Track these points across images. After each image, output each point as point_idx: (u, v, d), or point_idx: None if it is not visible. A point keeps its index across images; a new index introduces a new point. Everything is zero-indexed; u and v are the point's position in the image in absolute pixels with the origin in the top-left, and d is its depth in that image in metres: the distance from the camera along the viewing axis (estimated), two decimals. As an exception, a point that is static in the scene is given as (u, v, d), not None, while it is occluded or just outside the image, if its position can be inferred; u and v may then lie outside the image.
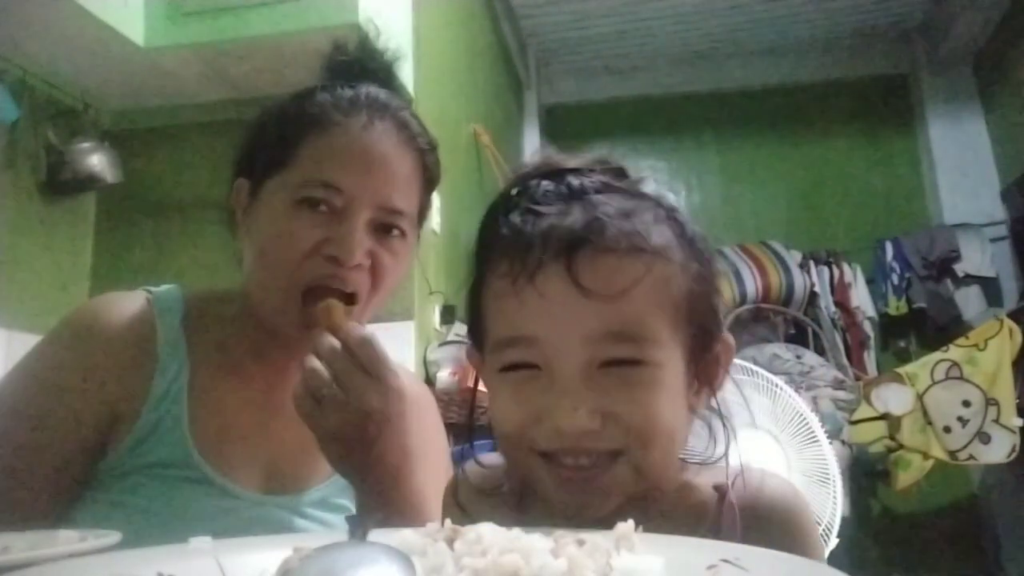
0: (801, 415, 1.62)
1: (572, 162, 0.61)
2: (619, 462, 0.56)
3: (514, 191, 0.61)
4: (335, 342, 0.73)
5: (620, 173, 0.62)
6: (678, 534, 0.49)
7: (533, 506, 0.62)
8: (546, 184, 0.59)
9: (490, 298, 0.61)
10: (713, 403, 0.63)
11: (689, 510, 0.61)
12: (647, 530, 0.48)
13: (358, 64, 0.92)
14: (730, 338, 0.63)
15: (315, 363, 0.73)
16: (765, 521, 0.59)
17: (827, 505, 1.64)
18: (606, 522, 0.47)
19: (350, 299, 0.83)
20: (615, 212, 0.56)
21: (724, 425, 0.63)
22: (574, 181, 0.59)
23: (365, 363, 0.73)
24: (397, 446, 0.78)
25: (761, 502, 0.61)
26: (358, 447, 0.75)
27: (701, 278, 0.60)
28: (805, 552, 0.56)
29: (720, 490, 0.61)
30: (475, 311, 0.64)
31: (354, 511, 0.91)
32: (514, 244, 0.57)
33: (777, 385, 1.67)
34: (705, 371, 0.61)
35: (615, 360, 0.55)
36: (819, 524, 1.83)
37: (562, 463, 0.56)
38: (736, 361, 1.66)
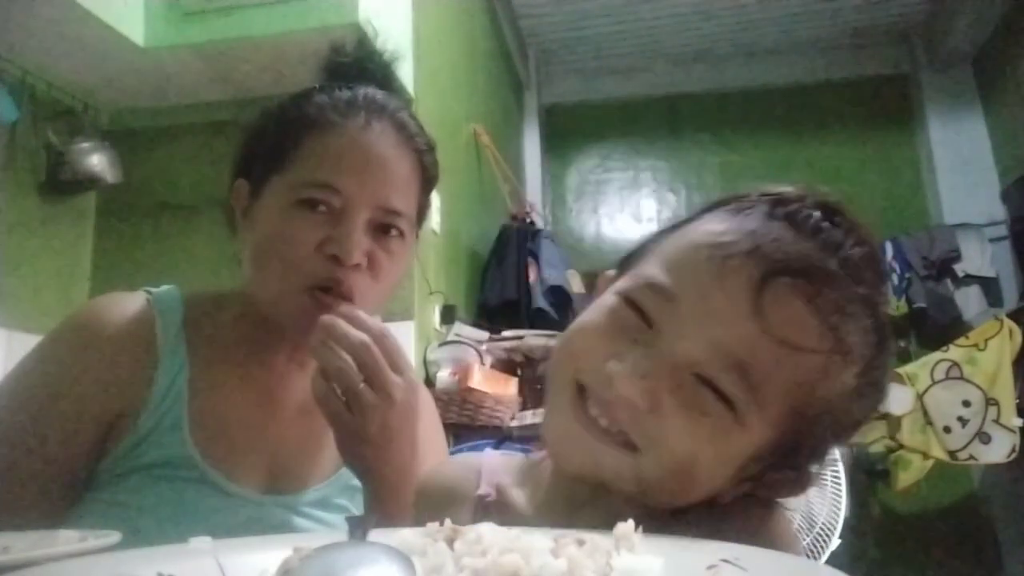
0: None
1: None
2: (627, 453, 0.52)
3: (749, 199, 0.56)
4: (362, 335, 0.72)
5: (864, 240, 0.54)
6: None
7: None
8: (784, 206, 0.53)
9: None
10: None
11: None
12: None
13: (356, 65, 0.93)
14: (813, 480, 0.55)
15: (341, 357, 0.71)
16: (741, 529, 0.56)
17: (829, 505, 1.64)
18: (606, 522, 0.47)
19: (349, 299, 0.84)
20: (851, 275, 0.50)
21: None
22: (821, 218, 0.53)
23: (391, 355, 0.73)
24: (411, 439, 0.78)
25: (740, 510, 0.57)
26: (380, 442, 0.74)
27: (854, 394, 0.52)
28: (783, 547, 0.53)
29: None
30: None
31: (354, 511, 0.91)
32: (701, 238, 0.52)
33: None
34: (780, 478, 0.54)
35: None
36: (814, 525, 1.83)
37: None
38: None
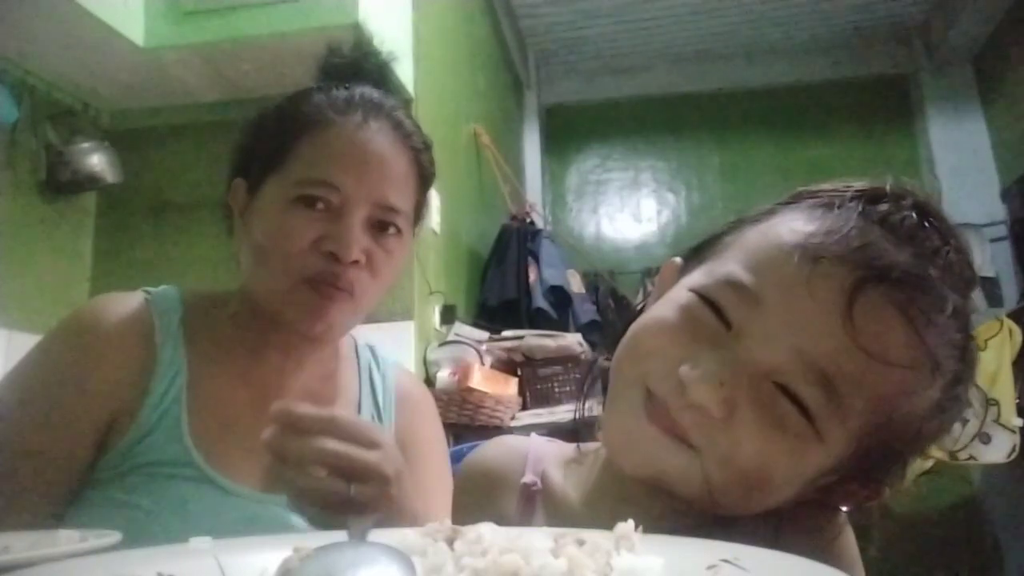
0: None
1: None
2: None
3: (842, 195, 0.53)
4: (319, 444, 0.61)
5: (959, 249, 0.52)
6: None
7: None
8: (881, 205, 0.51)
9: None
10: None
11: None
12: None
13: (353, 65, 0.94)
14: (884, 493, 0.54)
15: (311, 478, 0.60)
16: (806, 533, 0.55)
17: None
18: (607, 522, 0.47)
19: (348, 295, 0.84)
20: (947, 291, 0.48)
21: None
22: (925, 221, 0.51)
23: (356, 436, 0.63)
24: (415, 487, 0.73)
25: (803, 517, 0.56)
26: (391, 513, 0.67)
27: (936, 409, 0.50)
28: (847, 568, 0.53)
29: None
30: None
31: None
32: (801, 240, 0.49)
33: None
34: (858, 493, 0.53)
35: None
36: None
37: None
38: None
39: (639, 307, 0.60)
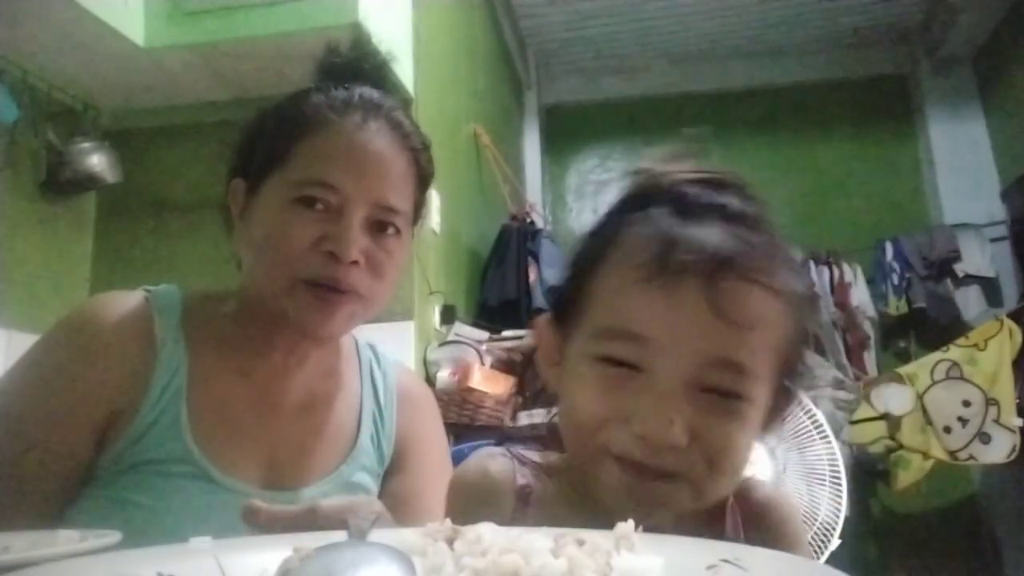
0: (806, 412, 1.62)
1: (708, 174, 0.59)
2: (681, 483, 0.55)
3: (659, 184, 0.59)
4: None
5: (749, 196, 0.60)
6: (692, 534, 0.48)
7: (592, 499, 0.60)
8: (695, 192, 0.57)
9: (609, 283, 0.57)
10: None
11: (702, 514, 0.60)
12: (666, 520, 0.54)
13: (351, 66, 0.94)
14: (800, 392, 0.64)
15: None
16: (760, 520, 0.62)
17: (828, 505, 1.64)
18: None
19: (349, 296, 0.84)
20: (761, 245, 0.56)
21: None
22: (722, 200, 0.57)
23: (333, 519, 0.58)
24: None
25: (756, 503, 0.63)
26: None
27: (804, 333, 0.60)
28: (797, 548, 0.59)
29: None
30: (581, 287, 0.60)
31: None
32: (658, 244, 0.55)
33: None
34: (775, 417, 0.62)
35: (716, 388, 0.54)
36: (811, 524, 1.83)
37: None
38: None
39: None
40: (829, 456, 1.59)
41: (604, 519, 0.46)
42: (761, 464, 1.54)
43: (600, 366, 0.56)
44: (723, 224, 0.56)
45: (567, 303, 0.61)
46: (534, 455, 0.68)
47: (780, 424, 0.63)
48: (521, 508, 0.63)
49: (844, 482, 1.59)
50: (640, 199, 0.59)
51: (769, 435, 0.63)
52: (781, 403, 0.60)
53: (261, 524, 0.60)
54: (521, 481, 0.65)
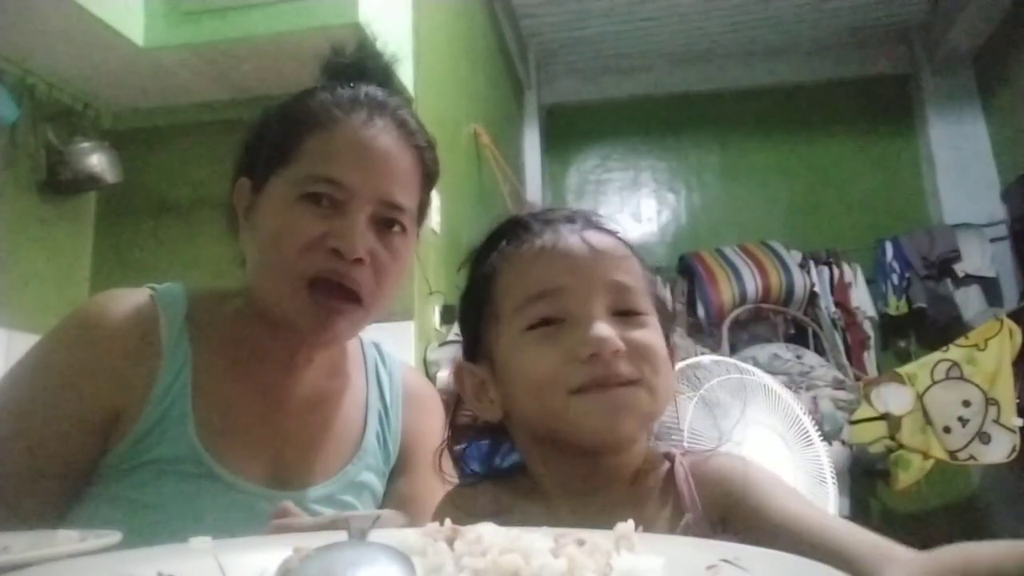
0: (797, 417, 1.62)
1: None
2: (639, 387, 0.64)
3: (515, 220, 0.75)
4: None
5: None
6: (636, 498, 0.59)
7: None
8: (543, 213, 0.75)
9: (509, 273, 0.70)
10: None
11: (646, 479, 0.68)
12: (624, 496, 0.62)
13: (356, 66, 0.94)
14: (680, 342, 0.70)
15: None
16: (716, 477, 0.65)
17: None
18: (606, 521, 0.47)
19: (351, 306, 0.84)
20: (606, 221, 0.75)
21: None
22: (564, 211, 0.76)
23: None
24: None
25: (710, 464, 0.67)
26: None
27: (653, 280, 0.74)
28: (760, 496, 0.62)
29: (668, 457, 0.69)
30: (479, 305, 0.72)
31: (360, 509, 0.91)
32: (538, 228, 0.71)
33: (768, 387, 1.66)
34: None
35: (623, 311, 0.67)
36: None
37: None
38: (734, 361, 1.65)
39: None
40: (817, 458, 1.59)
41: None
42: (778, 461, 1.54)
43: (531, 333, 0.68)
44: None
45: (474, 322, 0.74)
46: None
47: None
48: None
49: (832, 485, 1.58)
50: (504, 230, 0.74)
51: None
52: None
53: (286, 529, 0.60)
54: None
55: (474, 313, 0.73)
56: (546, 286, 0.67)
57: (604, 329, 0.63)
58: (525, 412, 0.70)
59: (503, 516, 0.54)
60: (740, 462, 0.68)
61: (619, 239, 0.73)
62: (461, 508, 0.69)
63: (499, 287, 0.70)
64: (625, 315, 0.66)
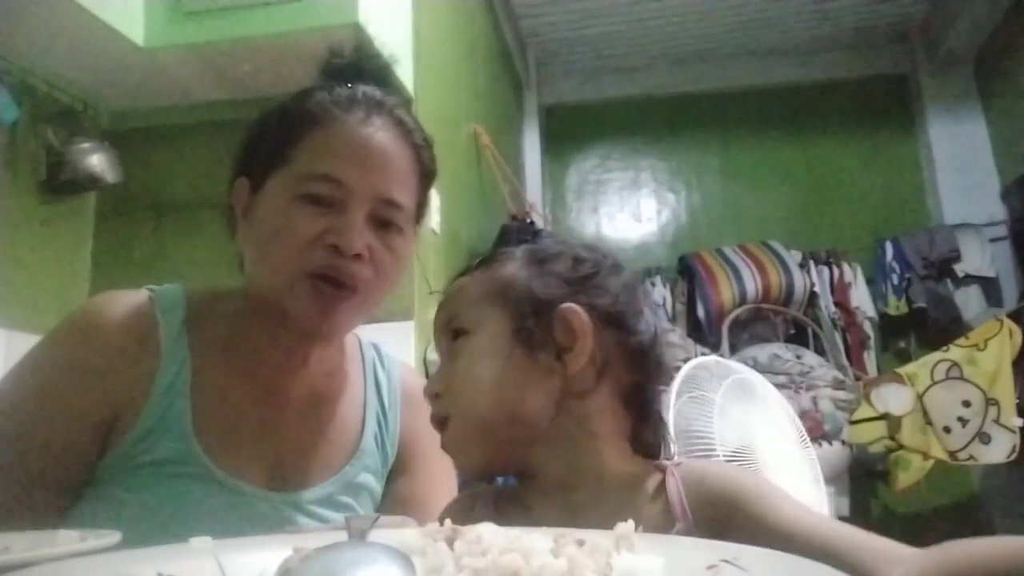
0: (790, 418, 1.61)
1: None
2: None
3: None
4: None
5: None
6: (626, 509, 0.55)
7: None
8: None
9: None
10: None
11: (636, 490, 0.65)
12: (599, 508, 0.61)
13: (353, 66, 0.94)
14: (572, 306, 0.67)
15: None
16: (709, 488, 0.63)
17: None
18: (604, 522, 0.47)
19: (350, 292, 0.84)
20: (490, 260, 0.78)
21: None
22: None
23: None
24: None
25: (703, 474, 0.65)
26: None
27: (534, 275, 0.71)
28: (765, 508, 0.59)
29: (660, 468, 0.66)
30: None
31: (359, 509, 0.91)
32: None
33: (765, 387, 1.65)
34: (552, 338, 0.67)
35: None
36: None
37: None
38: (727, 362, 1.65)
39: None
40: (809, 460, 1.58)
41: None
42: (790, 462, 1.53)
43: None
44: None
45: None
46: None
47: (576, 341, 0.67)
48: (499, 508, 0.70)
49: (822, 486, 1.58)
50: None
51: (568, 352, 0.68)
52: (528, 313, 0.69)
53: None
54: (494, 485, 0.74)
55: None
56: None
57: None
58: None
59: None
60: (733, 472, 0.67)
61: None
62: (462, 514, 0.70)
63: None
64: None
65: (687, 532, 0.61)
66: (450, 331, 0.71)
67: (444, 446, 0.69)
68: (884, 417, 2.95)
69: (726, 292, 3.89)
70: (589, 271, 0.70)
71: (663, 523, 0.62)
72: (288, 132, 0.87)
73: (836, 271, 4.16)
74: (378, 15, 2.09)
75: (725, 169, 4.76)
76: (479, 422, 0.67)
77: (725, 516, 0.60)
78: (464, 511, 0.71)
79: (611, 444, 0.67)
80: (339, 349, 0.98)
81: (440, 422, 0.69)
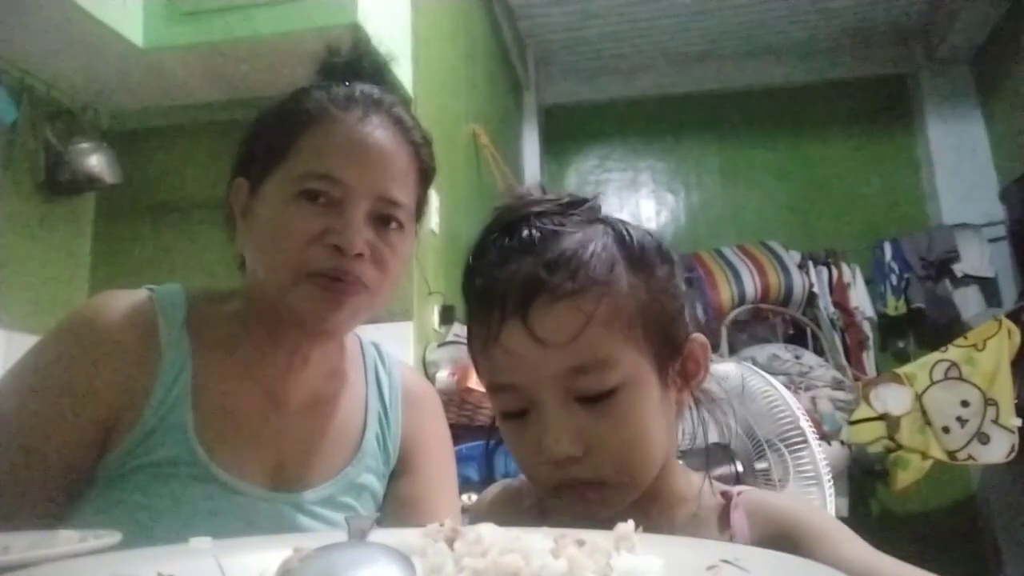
0: (794, 417, 1.61)
1: (534, 206, 0.65)
2: (606, 488, 0.61)
3: (483, 243, 0.67)
4: None
5: (575, 204, 0.66)
6: (697, 535, 0.55)
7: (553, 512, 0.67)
8: (503, 240, 0.65)
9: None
10: (697, 396, 0.69)
11: (697, 516, 0.64)
12: (676, 531, 0.57)
13: (351, 65, 0.94)
14: (701, 337, 0.66)
15: None
16: (772, 518, 0.63)
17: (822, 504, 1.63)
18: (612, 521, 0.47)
19: (354, 288, 0.84)
20: (562, 254, 0.61)
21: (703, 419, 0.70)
22: (526, 232, 0.63)
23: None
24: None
25: (767, 504, 0.64)
26: None
27: (654, 290, 0.63)
28: (825, 547, 0.59)
29: (727, 496, 0.65)
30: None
31: (360, 510, 0.91)
32: (479, 307, 0.64)
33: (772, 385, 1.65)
34: (683, 372, 0.66)
35: (586, 395, 0.60)
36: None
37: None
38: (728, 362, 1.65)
39: None
40: (812, 459, 1.58)
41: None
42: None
43: (508, 420, 0.64)
44: (522, 256, 0.62)
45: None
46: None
47: (700, 372, 0.67)
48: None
49: (826, 486, 1.58)
50: (470, 268, 0.69)
51: (691, 385, 0.66)
52: (672, 355, 0.64)
53: None
54: (533, 500, 0.71)
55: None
56: (500, 380, 0.64)
57: (556, 447, 0.59)
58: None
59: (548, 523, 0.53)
60: (797, 507, 0.66)
61: (580, 295, 0.62)
62: (510, 504, 0.72)
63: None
64: (594, 399, 0.61)
65: None
66: (576, 375, 0.60)
67: (592, 510, 0.61)
68: (883, 417, 2.95)
69: (725, 292, 3.89)
70: (684, 275, 0.67)
71: None
72: (286, 131, 0.86)
73: (835, 271, 4.16)
74: (377, 15, 2.09)
75: (724, 169, 4.76)
76: (644, 481, 0.63)
77: (785, 548, 0.59)
78: (511, 500, 0.72)
79: (671, 462, 0.67)
80: (340, 349, 0.98)
81: (585, 484, 0.61)
